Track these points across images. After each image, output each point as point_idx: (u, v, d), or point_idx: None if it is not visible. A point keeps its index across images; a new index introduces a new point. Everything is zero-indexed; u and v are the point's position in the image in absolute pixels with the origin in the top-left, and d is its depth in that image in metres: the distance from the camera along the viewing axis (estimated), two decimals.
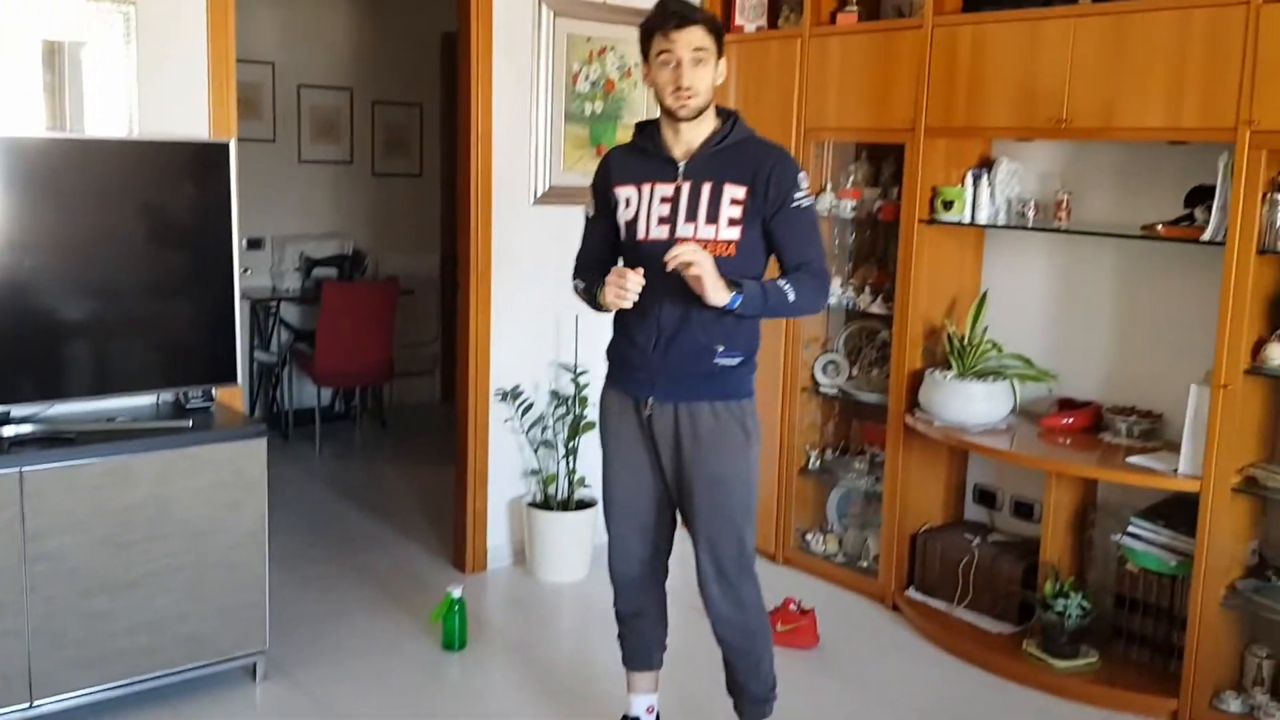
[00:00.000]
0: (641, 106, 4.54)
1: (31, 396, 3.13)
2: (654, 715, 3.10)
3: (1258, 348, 3.18)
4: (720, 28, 2.68)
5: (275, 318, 6.41)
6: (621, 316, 2.79)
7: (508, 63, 4.23)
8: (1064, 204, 3.75)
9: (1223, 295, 3.16)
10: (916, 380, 4.05)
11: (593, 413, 3.58)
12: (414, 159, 7.18)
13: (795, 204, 2.66)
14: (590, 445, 3.69)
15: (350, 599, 4.11)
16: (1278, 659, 3.32)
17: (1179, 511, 3.46)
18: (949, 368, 3.93)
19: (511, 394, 4.35)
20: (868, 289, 4.32)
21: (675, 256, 2.46)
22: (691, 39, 2.59)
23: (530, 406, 4.39)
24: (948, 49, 3.81)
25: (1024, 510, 4.11)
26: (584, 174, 4.22)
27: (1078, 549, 3.77)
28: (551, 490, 4.39)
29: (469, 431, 4.35)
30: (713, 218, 2.64)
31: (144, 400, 3.42)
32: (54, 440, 3.03)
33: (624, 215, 2.75)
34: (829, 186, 4.38)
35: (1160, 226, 3.45)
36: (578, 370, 4.38)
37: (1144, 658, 3.55)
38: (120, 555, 3.07)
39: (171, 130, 3.43)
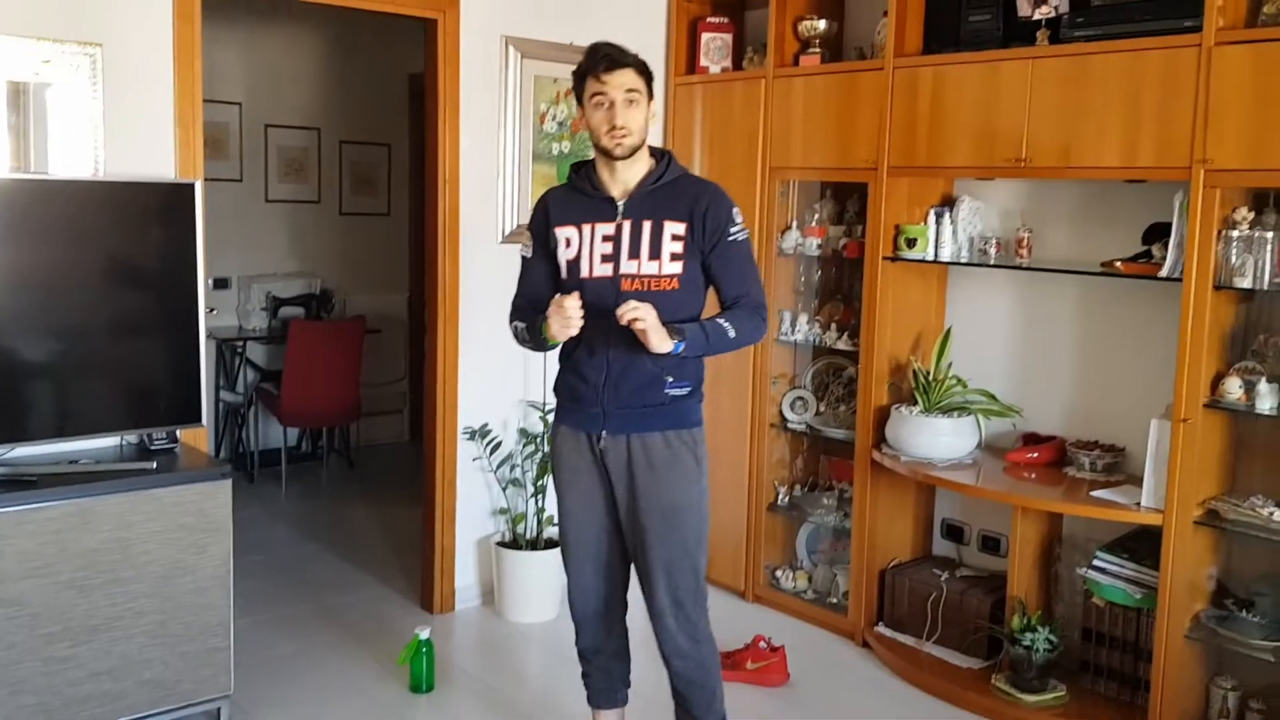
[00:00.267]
0: None
1: None
2: None
3: (1216, 382, 3.22)
4: (650, 72, 2.77)
5: (241, 357, 6.37)
6: (569, 354, 2.84)
7: (475, 103, 4.25)
8: (1025, 241, 3.81)
9: (1181, 330, 3.21)
10: (883, 416, 4.07)
11: None
12: (382, 198, 7.19)
13: (731, 237, 2.75)
14: None
15: (316, 641, 4.07)
16: (1243, 691, 3.34)
17: (1143, 544, 3.49)
18: (915, 403, 3.96)
19: (480, 432, 4.34)
20: (834, 326, 4.35)
21: (622, 315, 2.54)
22: (624, 81, 2.69)
23: (499, 445, 4.38)
24: (909, 90, 3.87)
25: (991, 545, 4.13)
26: None
27: (1044, 583, 3.79)
28: (520, 529, 4.38)
29: (437, 470, 4.34)
30: (655, 254, 2.72)
31: (108, 442, 3.39)
32: (16, 483, 2.99)
33: (565, 255, 2.80)
34: (794, 224, 4.42)
35: (1119, 263, 3.50)
36: (546, 408, 4.38)
37: (1111, 691, 3.57)
38: (83, 599, 3.03)
39: (137, 171, 3.42)
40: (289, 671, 3.80)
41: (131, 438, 3.41)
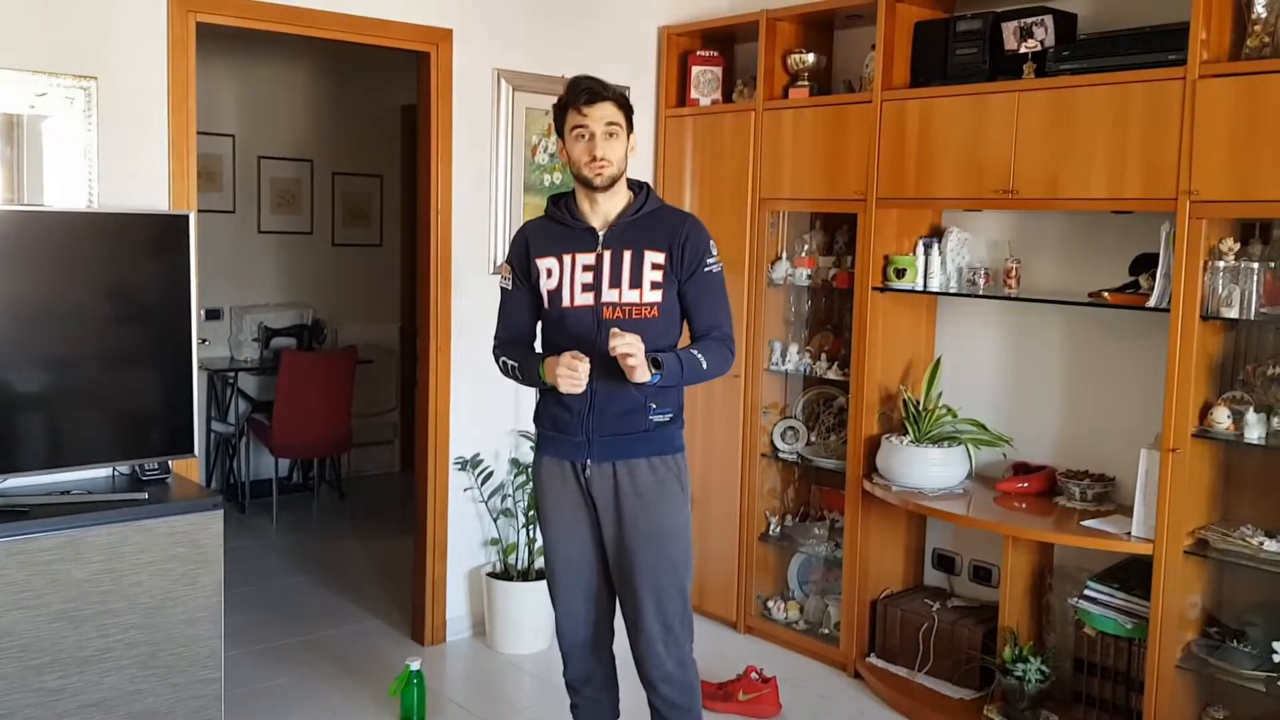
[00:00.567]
0: None
1: None
2: None
3: (1205, 411, 3.24)
4: (630, 106, 2.82)
5: (233, 388, 6.36)
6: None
7: (467, 135, 4.29)
8: (1013, 272, 3.83)
9: (1169, 360, 3.24)
10: (874, 446, 4.09)
11: None
12: (374, 229, 7.22)
13: (707, 269, 2.80)
14: None
15: (307, 673, 4.05)
16: None
17: (1134, 574, 3.50)
18: (905, 433, 3.97)
19: (471, 462, 4.34)
20: (824, 356, 4.38)
21: (614, 349, 2.58)
22: (604, 113, 2.73)
23: (490, 475, 4.38)
24: (897, 122, 3.91)
25: (982, 575, 4.13)
26: None
27: (1036, 613, 3.79)
28: (512, 560, 4.37)
29: (428, 501, 4.33)
30: (636, 283, 2.76)
31: (100, 472, 3.39)
32: (7, 513, 2.99)
33: (546, 285, 2.83)
34: (785, 255, 4.45)
35: (1107, 293, 3.53)
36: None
37: None
38: (73, 631, 3.02)
39: (131, 202, 3.44)
40: (280, 703, 3.78)
41: (123, 468, 3.41)
